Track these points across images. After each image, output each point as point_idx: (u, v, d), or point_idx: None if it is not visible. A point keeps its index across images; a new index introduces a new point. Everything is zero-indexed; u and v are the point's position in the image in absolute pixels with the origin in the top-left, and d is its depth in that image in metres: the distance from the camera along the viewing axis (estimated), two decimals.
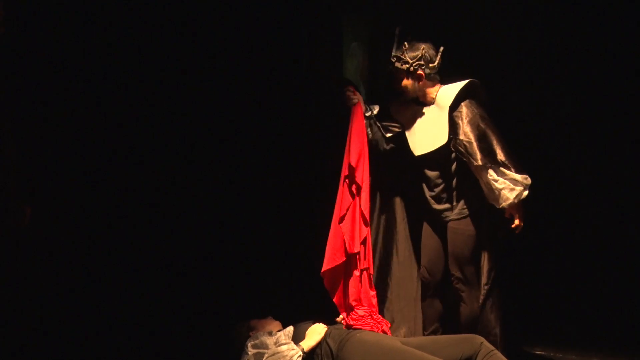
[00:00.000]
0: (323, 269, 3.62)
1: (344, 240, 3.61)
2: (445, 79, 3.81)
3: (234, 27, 4.40)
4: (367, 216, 3.69)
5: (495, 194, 3.58)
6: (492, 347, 3.26)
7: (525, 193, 3.56)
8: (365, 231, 3.68)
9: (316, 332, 3.45)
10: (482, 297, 3.69)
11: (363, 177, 3.67)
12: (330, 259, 3.62)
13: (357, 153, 3.67)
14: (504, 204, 3.58)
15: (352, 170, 3.66)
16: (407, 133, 3.84)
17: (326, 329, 3.48)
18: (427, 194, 3.82)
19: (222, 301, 4.15)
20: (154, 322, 4.02)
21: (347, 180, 3.69)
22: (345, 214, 3.65)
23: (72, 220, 4.00)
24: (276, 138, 4.45)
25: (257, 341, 3.42)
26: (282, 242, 4.36)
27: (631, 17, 4.35)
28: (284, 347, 3.36)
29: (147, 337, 3.94)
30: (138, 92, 4.16)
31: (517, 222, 3.62)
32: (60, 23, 3.91)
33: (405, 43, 3.72)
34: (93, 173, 4.07)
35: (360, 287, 3.63)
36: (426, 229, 3.88)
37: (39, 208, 3.76)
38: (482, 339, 3.32)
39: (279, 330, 3.51)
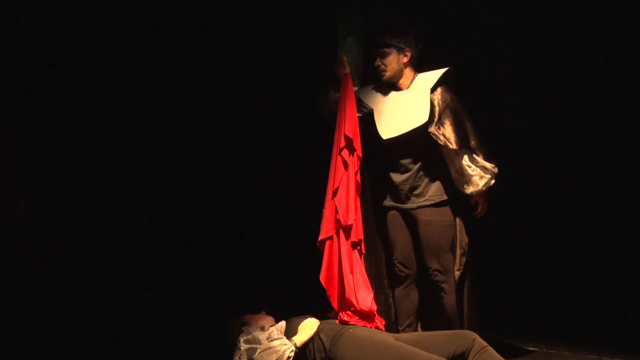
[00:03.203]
0: (319, 240, 3.63)
1: (336, 213, 3.60)
2: (426, 69, 3.82)
3: (229, 24, 4.39)
4: (360, 186, 3.70)
5: (466, 179, 3.65)
6: (485, 343, 3.24)
7: (493, 182, 3.64)
8: (358, 202, 3.67)
9: (309, 327, 3.43)
10: (455, 282, 3.72)
11: (359, 146, 3.66)
12: (325, 231, 3.62)
13: (352, 123, 3.66)
14: (473, 190, 3.65)
15: (349, 140, 3.64)
16: (375, 117, 3.80)
17: (319, 324, 3.46)
18: (395, 180, 3.79)
19: (215, 296, 4.14)
20: (147, 317, 4.02)
21: (342, 152, 3.66)
22: (338, 187, 3.63)
23: (66, 214, 3.99)
24: (272, 135, 4.44)
25: (249, 336, 3.41)
26: (276, 237, 4.35)
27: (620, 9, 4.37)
28: (276, 342, 3.34)
29: (140, 332, 3.94)
30: (134, 87, 4.16)
31: (480, 209, 3.71)
32: (58, 19, 3.90)
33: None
34: (88, 168, 4.07)
35: (354, 282, 3.61)
36: (394, 222, 3.84)
37: (32, 202, 3.77)
38: (475, 334, 3.29)
39: (272, 326, 3.50)
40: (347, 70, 3.81)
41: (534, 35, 4.58)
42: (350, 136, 3.64)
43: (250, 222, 4.37)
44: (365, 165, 3.78)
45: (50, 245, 3.93)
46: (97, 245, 4.05)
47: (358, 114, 3.83)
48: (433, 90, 3.71)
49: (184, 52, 4.29)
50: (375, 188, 3.90)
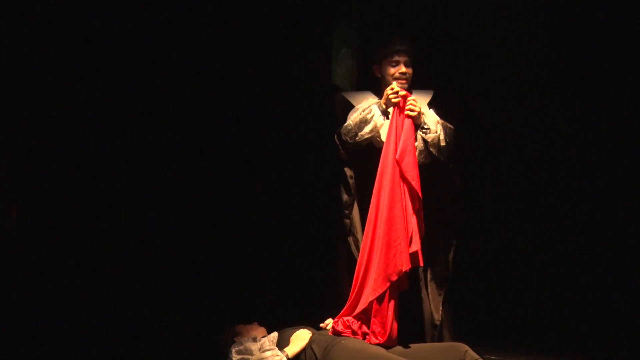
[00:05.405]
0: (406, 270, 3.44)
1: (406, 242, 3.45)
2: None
3: (225, 33, 4.39)
4: None
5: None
6: (476, 356, 3.26)
7: (438, 137, 3.61)
8: None
9: (300, 338, 3.44)
10: (441, 301, 3.73)
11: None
12: (413, 261, 3.45)
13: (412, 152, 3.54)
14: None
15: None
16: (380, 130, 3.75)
17: (311, 334, 3.47)
18: None
19: (208, 306, 4.14)
20: (140, 326, 4.01)
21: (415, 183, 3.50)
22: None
23: (59, 220, 3.98)
24: (265, 143, 4.45)
25: (241, 347, 3.41)
26: (269, 247, 4.36)
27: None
28: (268, 353, 3.34)
29: (132, 341, 3.93)
30: (131, 95, 4.16)
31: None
32: (50, 19, 3.90)
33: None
34: (83, 174, 4.06)
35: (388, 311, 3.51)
36: None
37: (25, 208, 3.76)
38: (466, 347, 3.30)
39: (264, 336, 3.50)
40: (405, 92, 3.61)
41: (530, 38, 4.62)
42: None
43: (243, 231, 4.37)
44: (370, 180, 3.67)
45: (43, 252, 3.92)
46: (90, 253, 4.03)
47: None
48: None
49: (180, 60, 4.29)
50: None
